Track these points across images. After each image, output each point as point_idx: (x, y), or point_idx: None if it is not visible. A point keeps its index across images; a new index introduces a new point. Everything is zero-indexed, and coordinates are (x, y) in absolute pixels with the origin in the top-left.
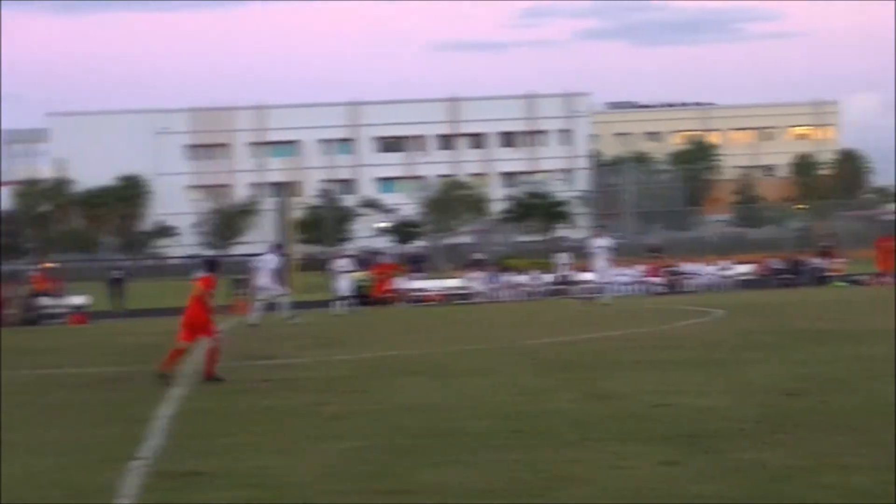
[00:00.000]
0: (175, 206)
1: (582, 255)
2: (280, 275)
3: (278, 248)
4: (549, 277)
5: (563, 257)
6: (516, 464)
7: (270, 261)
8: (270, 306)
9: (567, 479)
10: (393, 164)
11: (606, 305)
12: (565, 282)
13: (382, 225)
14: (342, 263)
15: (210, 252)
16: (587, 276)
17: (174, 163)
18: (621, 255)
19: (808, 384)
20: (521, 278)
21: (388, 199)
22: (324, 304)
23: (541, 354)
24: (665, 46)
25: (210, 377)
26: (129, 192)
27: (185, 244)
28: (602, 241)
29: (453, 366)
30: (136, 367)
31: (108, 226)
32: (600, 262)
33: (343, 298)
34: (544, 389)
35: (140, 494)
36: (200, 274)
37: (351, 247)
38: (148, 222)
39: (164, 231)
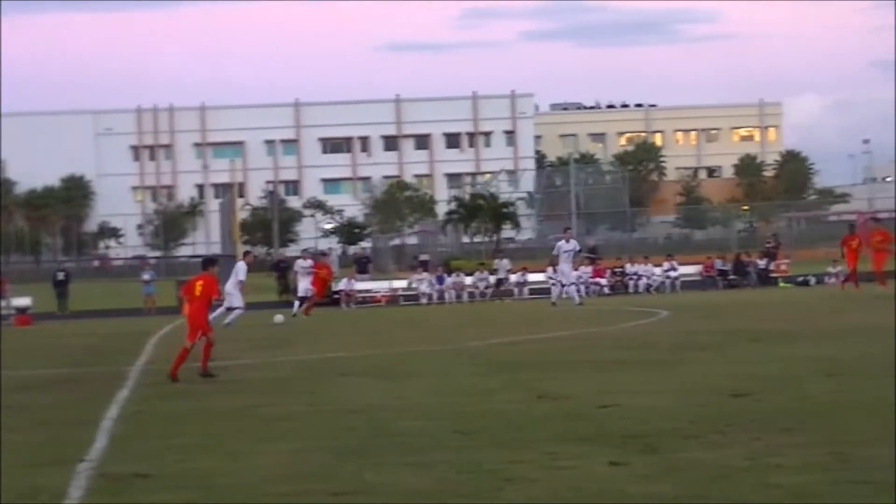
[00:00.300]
0: (119, 206)
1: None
2: (243, 284)
3: (246, 254)
4: (493, 279)
5: (503, 263)
6: (461, 465)
7: (241, 269)
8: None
9: (511, 479)
10: (338, 165)
11: (579, 306)
12: (508, 284)
13: (328, 226)
14: (305, 264)
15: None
16: (531, 277)
17: (118, 163)
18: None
19: (749, 384)
20: (467, 280)
21: (334, 200)
22: (271, 305)
23: (486, 355)
24: (609, 48)
25: (205, 373)
26: (73, 194)
27: (130, 245)
28: (569, 245)
29: (398, 367)
30: (82, 368)
31: (52, 227)
32: (565, 264)
33: (302, 300)
34: (489, 390)
35: (84, 496)
36: (200, 272)
37: (311, 246)
38: (92, 223)
39: (108, 232)
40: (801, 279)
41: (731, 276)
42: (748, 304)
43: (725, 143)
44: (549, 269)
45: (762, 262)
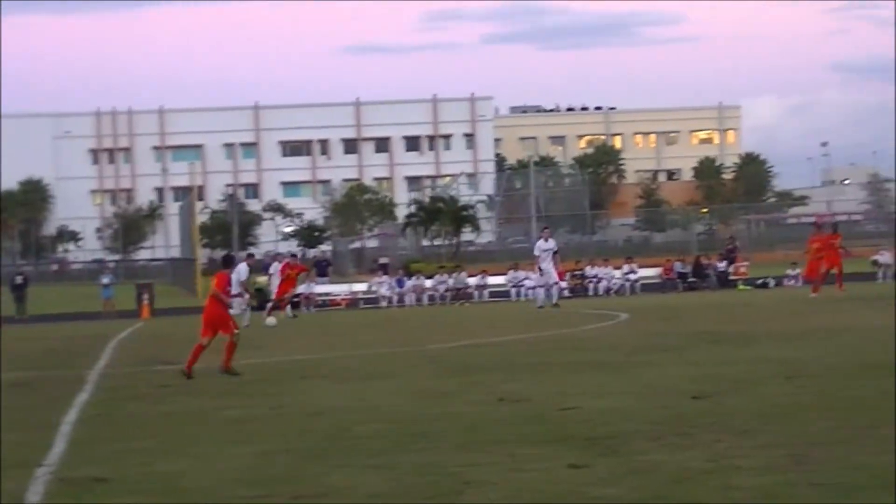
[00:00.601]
0: (78, 210)
1: (486, 260)
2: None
3: (249, 256)
4: (453, 282)
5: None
6: (422, 467)
7: (243, 270)
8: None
9: (471, 482)
10: (298, 168)
11: (555, 307)
12: (468, 287)
13: (288, 229)
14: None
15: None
16: (491, 280)
17: (76, 167)
18: (527, 259)
19: (710, 386)
20: (427, 283)
21: (293, 203)
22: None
23: (447, 358)
24: (569, 51)
25: (227, 371)
26: (31, 197)
27: (88, 249)
28: (548, 244)
29: (360, 369)
30: (41, 372)
31: (10, 231)
32: (545, 264)
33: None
34: (449, 393)
35: (43, 501)
36: (219, 270)
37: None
38: (50, 227)
39: (67, 236)
40: (759, 281)
41: (691, 279)
42: (708, 306)
43: (685, 145)
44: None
45: (721, 265)
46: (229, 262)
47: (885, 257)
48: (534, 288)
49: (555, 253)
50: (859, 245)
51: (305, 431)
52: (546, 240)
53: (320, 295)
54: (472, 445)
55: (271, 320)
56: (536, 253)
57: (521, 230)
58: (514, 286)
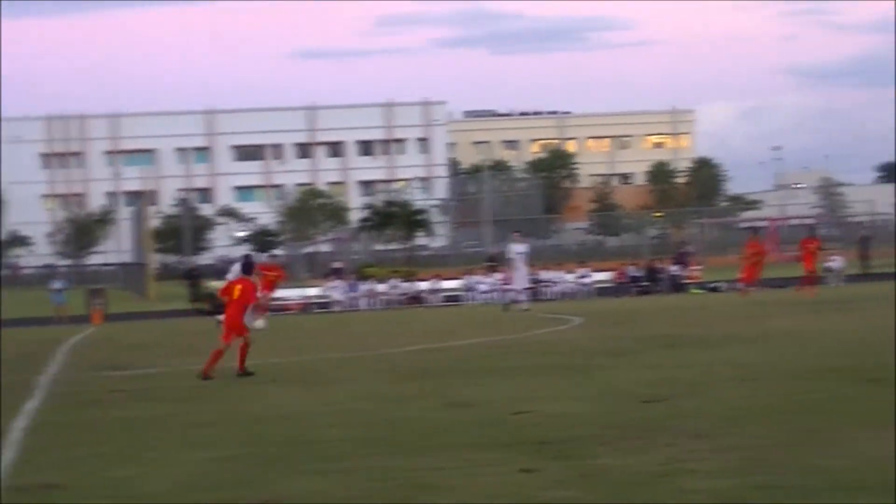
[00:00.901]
0: (29, 215)
1: (440, 264)
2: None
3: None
4: (408, 286)
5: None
6: (376, 472)
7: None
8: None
9: (425, 486)
10: (251, 172)
11: (525, 311)
12: (424, 291)
13: (241, 234)
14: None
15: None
16: (445, 284)
17: (28, 171)
18: (481, 263)
19: (663, 390)
20: (381, 287)
21: (247, 207)
22: (181, 313)
23: (400, 362)
24: (522, 55)
25: (243, 373)
26: None
27: (40, 254)
28: (520, 247)
29: (314, 374)
30: None
31: None
32: (518, 267)
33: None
34: (403, 397)
35: None
36: (239, 275)
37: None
38: (1, 232)
39: (18, 241)
40: (712, 285)
41: (644, 283)
42: (661, 309)
43: (638, 150)
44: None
45: (674, 269)
46: (251, 269)
47: (836, 262)
48: (487, 292)
49: (538, 256)
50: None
51: (262, 436)
52: (518, 243)
53: (273, 299)
54: (426, 450)
55: (259, 322)
56: (510, 256)
57: (474, 234)
58: (468, 290)
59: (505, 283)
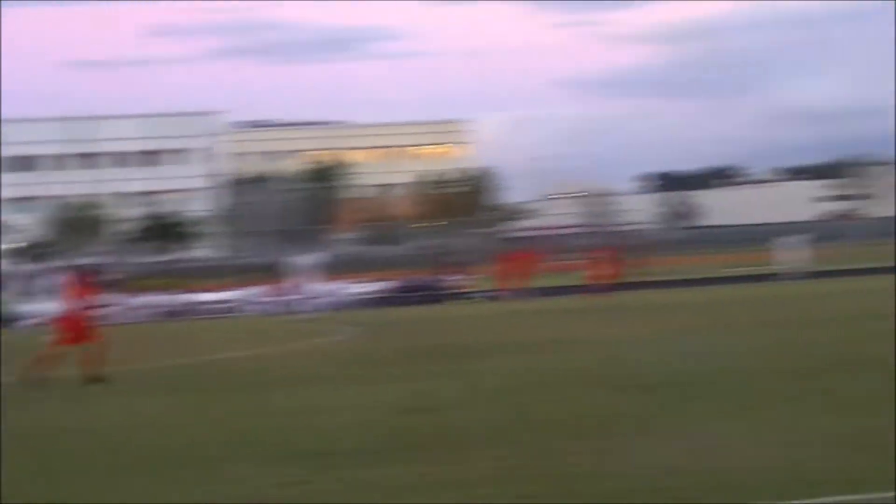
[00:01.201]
0: None
1: (216, 276)
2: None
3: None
4: (178, 298)
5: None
6: (138, 488)
7: None
8: None
9: (187, 501)
10: (22, 183)
11: (311, 321)
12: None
13: (12, 246)
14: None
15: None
16: (220, 296)
17: None
18: (253, 274)
19: (430, 400)
20: (149, 299)
21: (18, 219)
22: None
23: (164, 376)
24: (297, 65)
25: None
26: None
27: None
28: (309, 258)
29: (65, 388)
30: None
31: None
32: (311, 276)
33: None
34: (165, 412)
35: None
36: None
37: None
38: None
39: None
40: (485, 295)
41: (418, 293)
42: (434, 319)
43: (413, 160)
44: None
45: (448, 278)
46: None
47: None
48: (261, 304)
49: (314, 266)
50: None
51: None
52: (308, 254)
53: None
54: (190, 464)
55: None
56: (299, 266)
57: (252, 244)
58: (241, 302)
59: (286, 294)
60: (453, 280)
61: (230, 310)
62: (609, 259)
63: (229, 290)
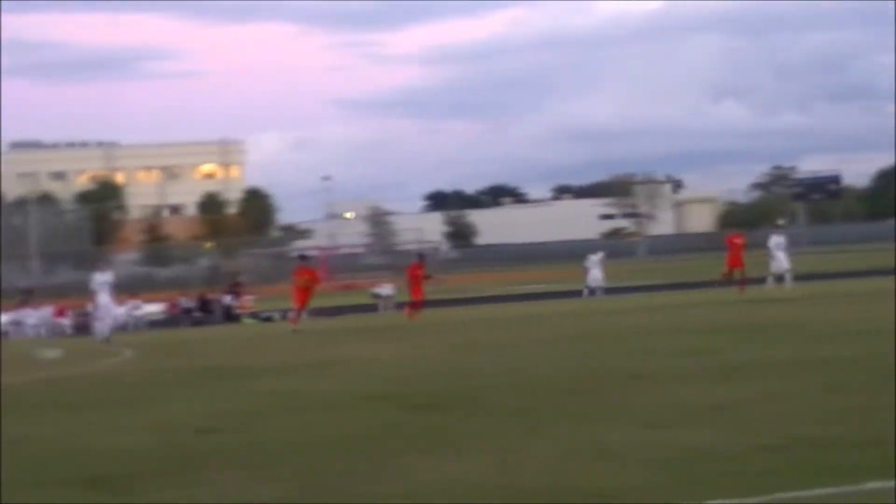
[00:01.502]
0: None
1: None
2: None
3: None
4: None
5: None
6: None
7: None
8: None
9: None
10: None
11: (106, 342)
12: None
13: None
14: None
15: None
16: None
17: None
18: (21, 297)
19: (217, 421)
20: None
21: None
22: None
23: None
24: (68, 85)
25: None
26: None
27: None
28: (103, 277)
29: None
30: None
31: None
32: (103, 297)
33: None
34: None
35: None
36: None
37: None
38: None
39: None
40: (265, 315)
41: (197, 314)
42: (214, 340)
43: (188, 180)
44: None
45: (227, 299)
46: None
47: (384, 289)
48: (36, 326)
49: (108, 285)
50: (363, 277)
51: None
52: (102, 272)
53: None
54: None
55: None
56: (93, 287)
57: (18, 266)
58: (14, 324)
59: (61, 316)
60: (234, 300)
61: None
62: (411, 278)
63: None
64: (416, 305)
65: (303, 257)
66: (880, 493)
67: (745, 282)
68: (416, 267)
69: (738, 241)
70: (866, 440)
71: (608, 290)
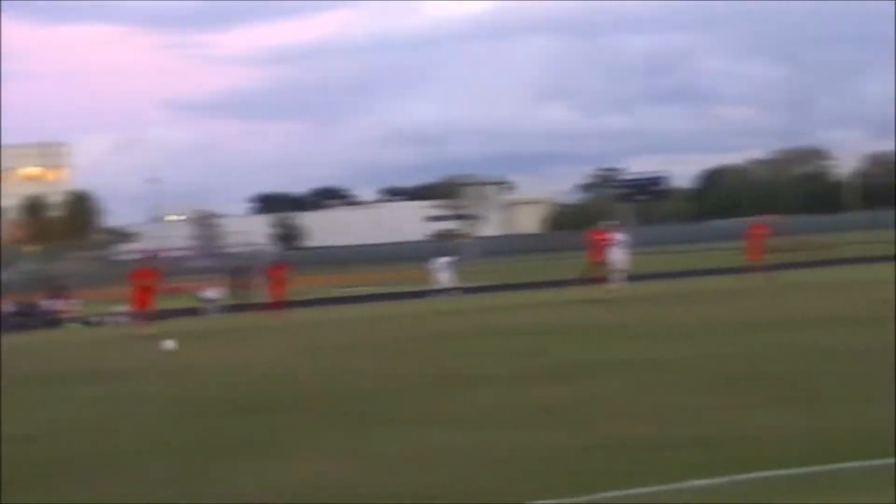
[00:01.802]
0: None
1: None
2: None
3: None
4: None
5: None
6: None
7: None
8: None
9: None
10: None
11: None
12: None
13: None
14: None
15: None
16: None
17: None
18: None
19: (39, 429)
20: None
21: None
22: None
23: None
24: None
25: None
26: None
27: None
28: None
29: None
30: None
31: None
32: None
33: None
34: None
35: None
36: None
37: None
38: None
39: None
40: (88, 319)
41: (18, 319)
42: (37, 346)
43: (10, 183)
44: None
45: (50, 303)
46: None
47: (212, 293)
48: None
49: None
50: (190, 280)
51: None
52: None
53: None
54: None
55: (169, 343)
56: None
57: None
58: None
59: None
60: (58, 305)
61: None
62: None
63: None
64: (277, 306)
65: (131, 262)
66: (704, 491)
67: (595, 280)
68: (275, 269)
69: (601, 238)
70: (692, 439)
71: (466, 291)
